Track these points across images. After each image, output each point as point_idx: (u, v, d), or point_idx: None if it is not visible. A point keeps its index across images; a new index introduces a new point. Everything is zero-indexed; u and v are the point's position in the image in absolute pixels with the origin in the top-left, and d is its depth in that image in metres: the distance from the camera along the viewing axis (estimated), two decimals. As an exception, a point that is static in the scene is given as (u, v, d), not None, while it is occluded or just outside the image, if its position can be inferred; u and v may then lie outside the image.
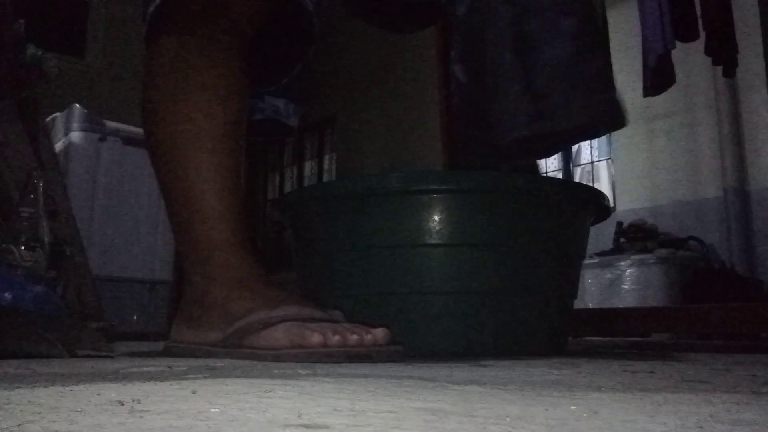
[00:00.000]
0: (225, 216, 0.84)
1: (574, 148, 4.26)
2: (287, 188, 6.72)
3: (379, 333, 0.73)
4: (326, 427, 0.26)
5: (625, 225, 3.44)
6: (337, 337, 0.70)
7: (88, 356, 0.74)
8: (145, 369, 0.58)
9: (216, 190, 0.84)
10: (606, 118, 0.84)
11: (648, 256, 3.20)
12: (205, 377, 0.48)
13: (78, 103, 2.41)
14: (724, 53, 1.97)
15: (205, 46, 0.87)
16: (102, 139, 2.39)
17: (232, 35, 0.89)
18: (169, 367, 0.61)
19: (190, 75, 0.86)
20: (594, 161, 4.17)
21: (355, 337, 0.71)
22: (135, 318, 2.34)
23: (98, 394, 0.36)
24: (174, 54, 0.88)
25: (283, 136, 1.16)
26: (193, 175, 0.84)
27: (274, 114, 1.10)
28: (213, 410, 0.30)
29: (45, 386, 0.40)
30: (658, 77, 1.99)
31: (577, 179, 4.15)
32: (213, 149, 0.84)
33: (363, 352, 0.71)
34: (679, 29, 1.98)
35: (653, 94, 2.04)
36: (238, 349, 0.76)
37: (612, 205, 1.87)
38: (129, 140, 2.44)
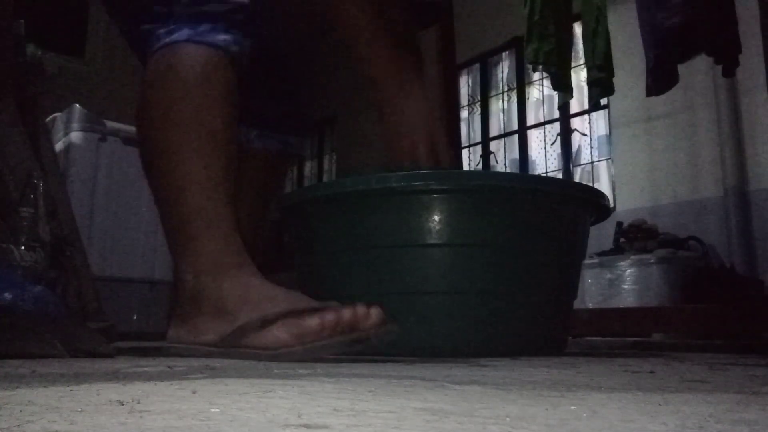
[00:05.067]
0: (214, 211, 0.84)
1: (575, 148, 4.27)
2: (287, 188, 6.72)
3: (373, 310, 0.75)
4: (326, 427, 0.26)
5: (625, 225, 3.44)
6: (331, 315, 0.73)
7: (88, 356, 0.74)
8: (145, 369, 0.58)
9: (205, 189, 0.84)
10: None
11: (648, 256, 3.20)
12: (205, 377, 0.48)
13: (78, 103, 2.41)
14: (727, 53, 1.97)
15: (206, 60, 0.88)
16: (102, 139, 2.39)
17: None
18: (169, 367, 0.61)
19: (188, 83, 0.87)
20: (594, 161, 4.17)
21: (348, 311, 0.73)
22: (135, 318, 2.34)
23: (98, 394, 0.36)
24: (175, 61, 0.89)
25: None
26: (181, 173, 0.85)
27: (282, 145, 1.17)
28: (213, 410, 0.30)
29: (45, 386, 0.40)
30: (658, 77, 1.99)
31: (577, 179, 4.14)
32: (200, 150, 0.85)
33: (360, 336, 0.73)
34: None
35: (656, 94, 2.03)
36: (237, 348, 0.76)
37: (612, 205, 1.86)
38: (129, 140, 2.44)
